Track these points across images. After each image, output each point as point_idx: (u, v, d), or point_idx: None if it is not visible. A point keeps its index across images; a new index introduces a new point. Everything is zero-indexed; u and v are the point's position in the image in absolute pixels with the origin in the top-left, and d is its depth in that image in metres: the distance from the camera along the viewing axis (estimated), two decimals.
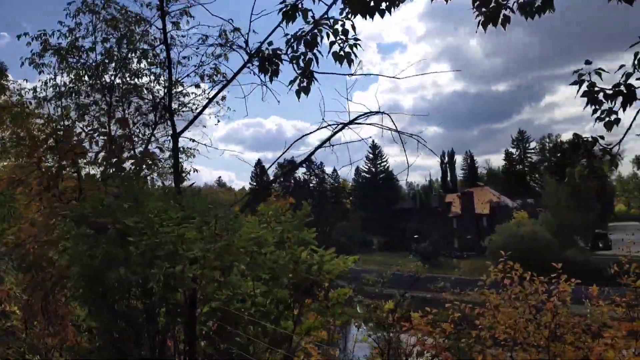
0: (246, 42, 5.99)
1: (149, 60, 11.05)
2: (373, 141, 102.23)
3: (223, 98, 11.52)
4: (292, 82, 5.62)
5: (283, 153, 6.16)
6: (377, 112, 6.37)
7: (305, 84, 5.57)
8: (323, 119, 6.27)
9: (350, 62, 5.14)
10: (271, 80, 5.65)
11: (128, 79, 11.20)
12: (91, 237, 3.91)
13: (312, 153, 6.10)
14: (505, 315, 7.59)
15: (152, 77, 11.19)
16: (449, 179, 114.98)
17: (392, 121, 6.59)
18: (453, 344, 7.43)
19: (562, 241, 59.00)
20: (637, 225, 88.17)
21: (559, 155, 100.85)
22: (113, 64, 11.01)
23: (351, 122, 6.12)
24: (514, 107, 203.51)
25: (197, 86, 10.98)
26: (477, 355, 7.24)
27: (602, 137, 4.94)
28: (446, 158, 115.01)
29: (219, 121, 8.36)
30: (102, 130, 7.81)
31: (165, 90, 11.42)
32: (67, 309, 4.12)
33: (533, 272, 8.25)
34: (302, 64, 5.55)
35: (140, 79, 11.16)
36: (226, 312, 4.37)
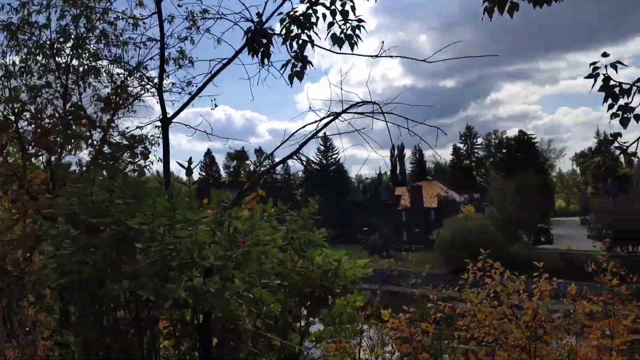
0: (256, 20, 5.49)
1: (110, 40, 10.31)
2: (325, 133, 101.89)
3: (189, 82, 10.91)
4: (284, 65, 5.21)
5: (281, 144, 5.77)
6: (369, 102, 6.05)
7: (299, 68, 5.16)
8: (311, 108, 5.89)
9: (352, 45, 4.75)
10: (263, 64, 5.19)
11: (86, 60, 10.42)
12: (79, 239, 3.35)
13: (305, 143, 5.72)
14: (485, 314, 7.43)
15: (112, 59, 10.47)
16: (398, 172, 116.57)
17: (383, 113, 6.29)
18: (433, 345, 7.21)
19: (507, 235, 60.77)
20: (576, 221, 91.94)
21: (504, 151, 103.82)
22: (69, 44, 10.22)
23: (344, 111, 5.77)
24: (461, 103, 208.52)
25: (163, 70, 10.33)
26: (460, 356, 7.05)
27: (619, 135, 4.73)
28: (396, 152, 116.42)
29: (216, 106, 7.77)
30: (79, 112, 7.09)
31: (127, 74, 10.74)
32: (37, 319, 3.58)
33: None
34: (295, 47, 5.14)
35: (100, 61, 10.41)
36: (229, 324, 3.90)
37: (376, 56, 5.14)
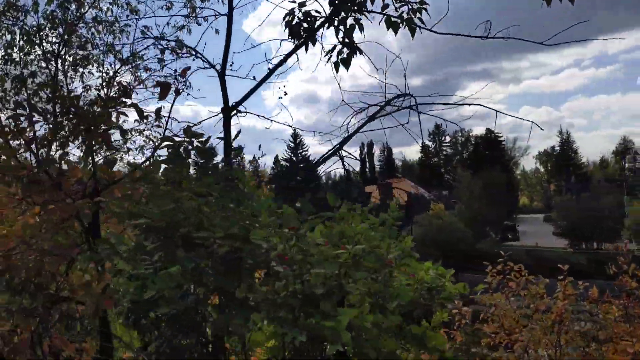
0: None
1: (102, 27, 9.64)
2: (294, 129, 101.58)
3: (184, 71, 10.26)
4: (330, 51, 4.76)
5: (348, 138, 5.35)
6: (407, 95, 5.67)
7: (346, 54, 4.72)
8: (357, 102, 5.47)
9: (413, 31, 4.31)
10: (306, 49, 4.73)
11: (76, 49, 9.72)
12: (173, 257, 2.57)
13: (347, 140, 5.30)
14: (514, 319, 7.13)
15: (104, 49, 9.79)
16: (367, 169, 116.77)
17: (415, 105, 5.92)
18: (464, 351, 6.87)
19: (475, 233, 61.45)
20: (539, 218, 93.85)
21: (471, 149, 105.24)
22: (58, 31, 9.50)
23: (388, 102, 5.37)
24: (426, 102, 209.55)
25: (161, 60, 9.68)
26: None
27: None
28: (365, 149, 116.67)
29: (285, 93, 6.97)
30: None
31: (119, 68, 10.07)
32: (82, 346, 3.03)
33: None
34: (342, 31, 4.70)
35: (92, 50, 9.73)
36: None
37: (486, 37, 4.71)
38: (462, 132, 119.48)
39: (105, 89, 9.59)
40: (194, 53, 6.11)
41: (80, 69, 9.80)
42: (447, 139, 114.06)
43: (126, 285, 2.46)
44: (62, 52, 9.45)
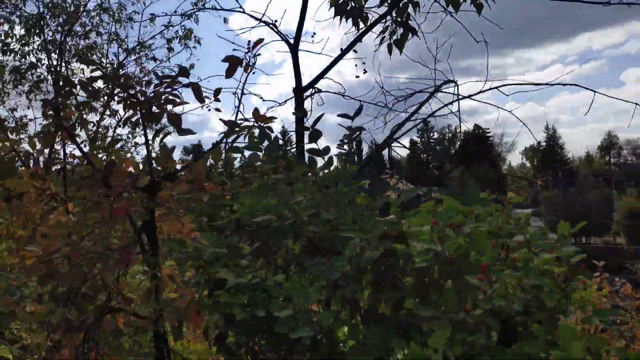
0: None
1: (108, 15, 9.17)
2: (283, 126, 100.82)
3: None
4: (382, 32, 4.38)
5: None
6: (451, 81, 5.33)
7: (399, 35, 4.35)
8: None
9: (479, 7, 3.92)
10: (357, 27, 4.35)
11: (78, 39, 9.23)
12: (330, 269, 2.19)
13: (401, 125, 4.93)
14: None
15: (109, 38, 9.32)
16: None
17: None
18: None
19: None
20: (527, 213, 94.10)
21: (460, 145, 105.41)
22: (59, 19, 9.00)
23: (437, 89, 5.01)
24: (414, 97, 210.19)
25: (170, 49, 9.24)
26: None
27: None
28: (354, 146, 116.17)
29: (365, 71, 6.52)
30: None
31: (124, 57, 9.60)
32: None
33: None
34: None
35: (96, 38, 9.26)
36: None
37: (608, 3, 4.33)
38: (448, 128, 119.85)
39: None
40: (267, 23, 5.37)
41: (82, 64, 9.35)
42: (434, 135, 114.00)
43: (227, 298, 2.00)
44: (65, 42, 8.96)
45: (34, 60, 9.02)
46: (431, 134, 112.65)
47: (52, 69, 8.84)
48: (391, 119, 6.05)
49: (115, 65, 9.03)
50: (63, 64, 8.89)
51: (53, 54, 8.99)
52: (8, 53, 8.80)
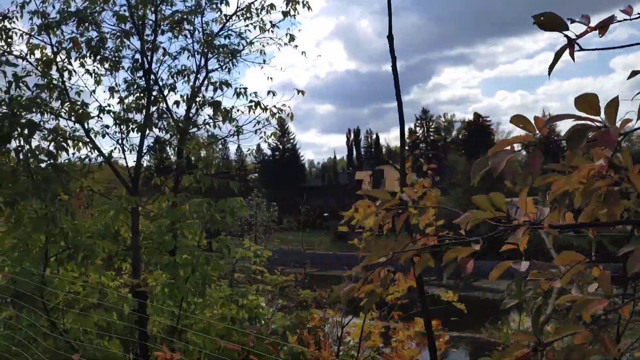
0: None
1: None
2: (280, 117, 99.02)
3: None
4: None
5: None
6: None
7: None
8: None
9: None
10: None
11: None
12: None
13: None
14: None
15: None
16: (354, 156, 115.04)
17: None
18: None
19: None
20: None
21: (463, 134, 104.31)
22: None
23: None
24: (403, 87, 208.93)
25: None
26: None
27: None
28: (352, 136, 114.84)
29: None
30: None
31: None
32: None
33: None
34: None
35: None
36: None
37: None
38: (444, 116, 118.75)
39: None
40: None
41: None
42: (432, 124, 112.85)
43: None
44: None
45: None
46: (430, 123, 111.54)
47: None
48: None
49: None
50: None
51: None
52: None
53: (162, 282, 5.71)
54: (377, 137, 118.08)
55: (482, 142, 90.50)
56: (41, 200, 5.05)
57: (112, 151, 7.49)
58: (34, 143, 5.52)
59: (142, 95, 7.89)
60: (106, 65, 7.66)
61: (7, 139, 5.13)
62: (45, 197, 5.06)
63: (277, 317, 6.05)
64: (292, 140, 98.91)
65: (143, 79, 7.87)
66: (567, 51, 1.92)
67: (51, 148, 5.59)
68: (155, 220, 6.21)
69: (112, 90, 7.95)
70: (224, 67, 8.20)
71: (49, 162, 5.22)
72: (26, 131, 5.23)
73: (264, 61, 8.39)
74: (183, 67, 8.10)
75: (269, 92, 7.99)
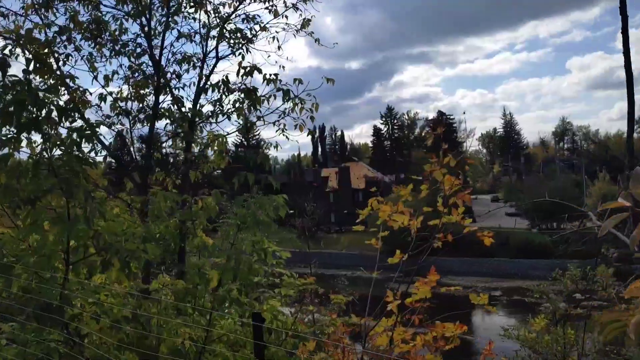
0: None
1: None
2: (245, 112, 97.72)
3: None
4: None
5: None
6: None
7: None
8: None
9: None
10: None
11: None
12: None
13: None
14: None
15: None
16: (319, 153, 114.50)
17: None
18: None
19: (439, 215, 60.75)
20: (487, 199, 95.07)
21: (428, 131, 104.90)
22: None
23: None
24: (366, 84, 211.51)
25: None
26: None
27: None
28: (317, 133, 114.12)
29: None
30: None
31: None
32: None
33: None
34: None
35: None
36: None
37: None
38: (407, 114, 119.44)
39: None
40: None
41: None
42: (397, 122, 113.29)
43: None
44: None
45: None
46: (394, 121, 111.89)
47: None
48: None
49: None
50: None
51: None
52: None
53: (181, 288, 4.91)
54: (342, 134, 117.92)
55: (447, 139, 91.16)
56: (70, 197, 4.21)
57: (111, 144, 6.85)
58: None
59: (147, 82, 7.16)
60: (105, 51, 6.93)
61: (37, 125, 4.26)
62: (76, 194, 4.22)
63: (299, 325, 5.42)
64: (256, 136, 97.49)
65: (149, 65, 7.13)
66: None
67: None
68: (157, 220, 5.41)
69: (110, 77, 7.18)
70: (236, 53, 7.53)
71: (75, 154, 4.33)
72: (55, 116, 4.34)
73: (279, 47, 7.71)
74: (189, 54, 7.40)
75: (295, 80, 7.31)
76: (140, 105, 7.36)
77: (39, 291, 4.15)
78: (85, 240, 4.25)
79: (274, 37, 7.66)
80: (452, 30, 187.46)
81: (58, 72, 6.44)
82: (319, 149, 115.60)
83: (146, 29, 7.08)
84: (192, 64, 7.46)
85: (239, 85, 7.30)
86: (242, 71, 7.13)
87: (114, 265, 4.14)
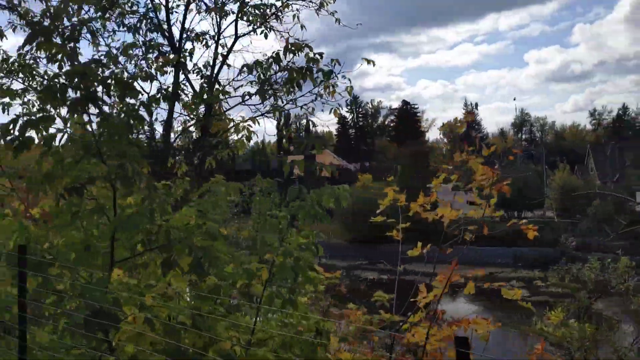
0: None
1: None
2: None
3: None
4: None
5: None
6: None
7: None
8: None
9: None
10: None
11: None
12: None
13: None
14: None
15: None
16: (284, 141, 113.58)
17: None
18: None
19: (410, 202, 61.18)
20: (447, 187, 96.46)
21: (394, 120, 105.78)
22: None
23: None
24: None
25: None
26: None
27: None
28: (282, 120, 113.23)
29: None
30: None
31: None
32: None
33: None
34: None
35: None
36: None
37: None
38: (371, 103, 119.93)
39: None
40: None
41: None
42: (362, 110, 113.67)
43: None
44: None
45: None
46: (359, 110, 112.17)
47: None
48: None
49: None
50: None
51: None
52: None
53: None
54: (308, 121, 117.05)
55: (410, 128, 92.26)
56: (127, 186, 3.82)
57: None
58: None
59: (169, 58, 6.78)
60: (110, 25, 6.53)
61: (94, 98, 3.82)
62: (136, 183, 3.87)
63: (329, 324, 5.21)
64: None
65: (166, 39, 6.78)
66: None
67: None
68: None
69: (121, 52, 6.78)
70: (258, 32, 7.26)
71: (130, 137, 3.94)
72: (116, 91, 3.94)
73: (303, 26, 7.46)
74: (203, 32, 7.06)
75: (332, 60, 7.07)
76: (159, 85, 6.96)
77: (79, 293, 3.85)
78: (145, 236, 3.96)
79: (294, 16, 7.43)
80: (415, 21, 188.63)
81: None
82: (283, 137, 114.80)
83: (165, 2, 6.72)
84: (204, 42, 7.15)
85: (287, 64, 6.99)
86: (289, 49, 6.84)
87: (180, 264, 3.86)
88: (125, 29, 6.82)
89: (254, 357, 3.78)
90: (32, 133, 3.84)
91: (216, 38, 7.30)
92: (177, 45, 6.89)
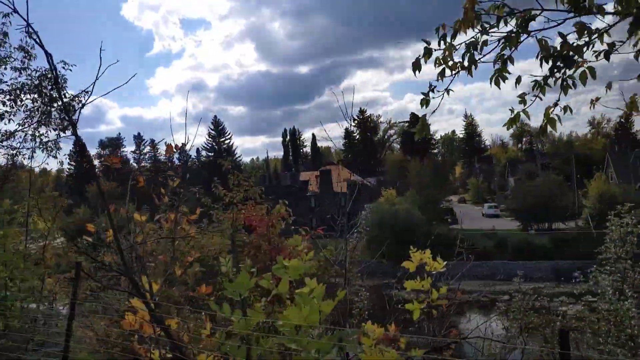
0: None
1: None
2: (215, 116, 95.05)
3: None
4: None
5: None
6: None
7: None
8: None
9: None
10: None
11: None
12: None
13: None
14: None
15: None
16: (291, 156, 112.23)
17: None
18: None
19: (429, 217, 59.86)
20: (454, 199, 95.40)
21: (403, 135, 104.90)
22: None
23: None
24: (316, 89, 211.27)
25: None
26: None
27: None
28: (288, 136, 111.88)
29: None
30: None
31: None
32: None
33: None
34: None
35: None
36: None
37: None
38: (371, 117, 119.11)
39: None
40: None
41: None
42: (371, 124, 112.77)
43: None
44: None
45: None
46: (368, 123, 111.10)
47: None
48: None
49: None
50: None
51: None
52: None
53: None
54: (314, 137, 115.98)
55: (420, 143, 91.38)
56: None
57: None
58: None
59: None
60: None
61: None
62: None
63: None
64: (227, 141, 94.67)
65: None
66: None
67: None
68: None
69: None
70: None
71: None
72: None
73: None
74: None
75: None
76: None
77: None
78: None
79: None
80: (401, 35, 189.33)
81: None
82: (290, 153, 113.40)
83: None
84: None
85: None
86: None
87: None
88: None
89: None
90: None
91: None
92: None
